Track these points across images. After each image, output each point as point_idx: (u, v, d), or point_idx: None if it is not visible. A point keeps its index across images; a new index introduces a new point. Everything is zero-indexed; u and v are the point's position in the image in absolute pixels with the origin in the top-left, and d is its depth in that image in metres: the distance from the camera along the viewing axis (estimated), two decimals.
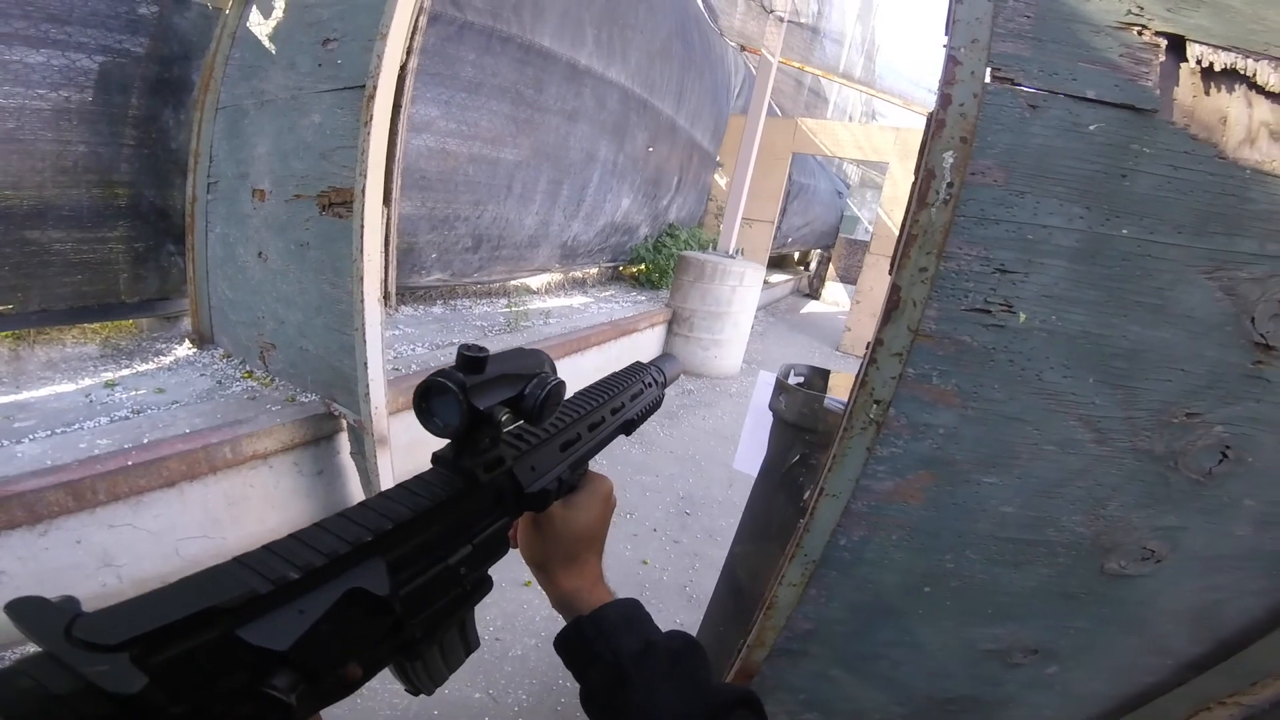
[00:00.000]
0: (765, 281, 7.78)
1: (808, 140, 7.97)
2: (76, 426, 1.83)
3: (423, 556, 0.41)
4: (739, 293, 5.09)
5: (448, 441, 0.46)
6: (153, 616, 0.25)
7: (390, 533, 0.37)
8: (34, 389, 2.06)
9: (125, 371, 2.29)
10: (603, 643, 0.52)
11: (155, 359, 2.43)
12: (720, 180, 8.35)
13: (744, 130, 6.10)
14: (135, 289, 2.43)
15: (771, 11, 5.70)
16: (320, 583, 0.31)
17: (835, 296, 11.44)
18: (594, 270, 5.95)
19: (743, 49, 7.26)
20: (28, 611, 0.23)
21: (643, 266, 6.23)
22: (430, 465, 0.47)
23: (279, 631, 0.28)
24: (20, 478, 1.49)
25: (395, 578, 0.36)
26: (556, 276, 5.36)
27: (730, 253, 5.74)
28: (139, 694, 0.22)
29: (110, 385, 2.14)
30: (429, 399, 0.42)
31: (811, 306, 10.62)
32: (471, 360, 0.41)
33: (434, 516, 0.41)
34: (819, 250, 12.88)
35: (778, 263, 11.54)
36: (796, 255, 13.37)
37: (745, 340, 5.49)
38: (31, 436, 1.74)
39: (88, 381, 2.16)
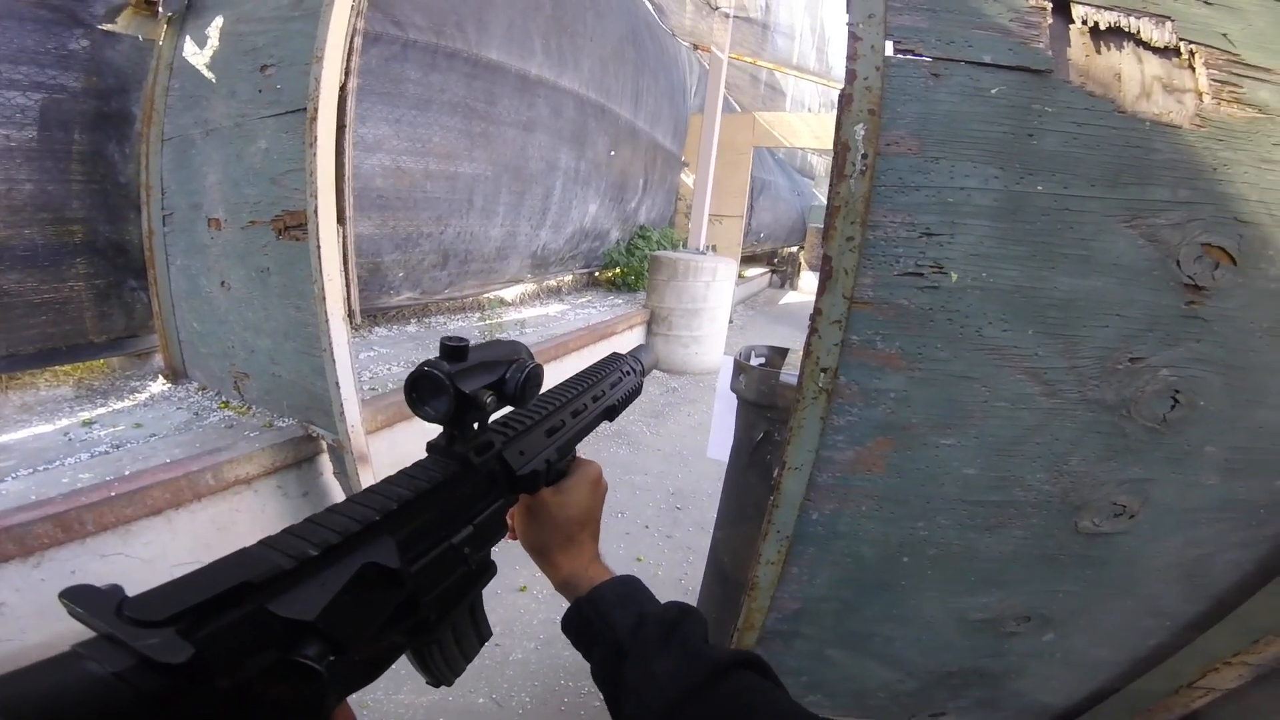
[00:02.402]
0: (740, 275, 7.84)
1: (766, 134, 8.07)
2: (58, 463, 1.84)
3: (427, 535, 0.44)
4: (713, 288, 5.14)
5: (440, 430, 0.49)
6: (193, 594, 0.27)
7: (395, 513, 0.39)
8: (11, 431, 2.06)
9: (101, 410, 2.27)
10: (600, 621, 0.54)
11: (130, 396, 2.42)
12: (688, 179, 8.41)
13: (702, 127, 6.16)
14: (102, 328, 2.40)
15: (716, 8, 5.76)
16: (337, 559, 0.34)
17: (811, 286, 11.55)
18: (568, 278, 5.96)
19: (695, 47, 7.33)
20: (81, 597, 0.25)
21: (617, 270, 6.24)
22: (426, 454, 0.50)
23: (305, 603, 0.30)
24: (7, 512, 1.50)
25: (404, 554, 0.38)
26: (530, 287, 5.36)
27: (701, 249, 5.78)
28: (188, 664, 0.24)
29: (88, 424, 2.13)
30: (419, 388, 0.45)
31: (790, 297, 10.72)
32: (454, 349, 0.45)
33: (433, 497, 0.44)
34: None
35: (753, 260, 11.63)
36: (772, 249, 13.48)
37: (724, 335, 5.53)
38: (14, 475, 1.74)
39: (65, 421, 2.15)
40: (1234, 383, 0.85)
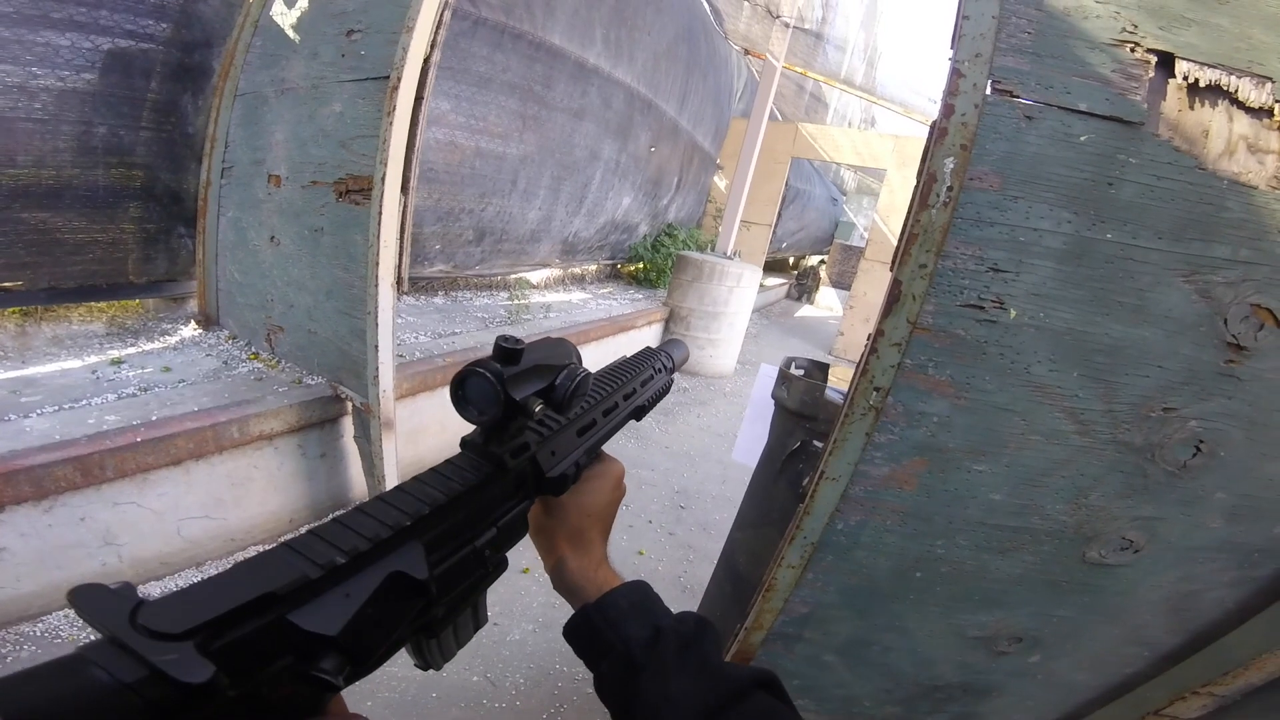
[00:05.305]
0: (760, 284, 7.86)
1: (807, 145, 8.05)
2: (84, 403, 1.82)
3: (453, 539, 0.42)
4: (736, 294, 5.16)
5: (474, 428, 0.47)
6: (213, 604, 0.25)
7: (426, 517, 0.38)
8: (40, 365, 2.05)
9: (131, 350, 2.29)
10: (612, 632, 0.51)
11: (161, 338, 2.45)
12: (719, 182, 8.41)
13: (746, 133, 6.16)
14: (144, 270, 2.46)
15: (777, 17, 5.76)
16: (364, 566, 0.32)
17: (828, 301, 11.54)
18: (593, 267, 6.00)
19: (746, 53, 7.33)
20: (91, 599, 0.24)
21: (641, 265, 6.27)
22: (459, 449, 0.48)
23: (328, 616, 0.29)
24: (29, 452, 1.45)
25: (429, 558, 0.37)
26: (556, 272, 5.40)
27: (728, 254, 5.80)
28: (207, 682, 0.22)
29: (117, 363, 2.15)
30: (466, 387, 0.43)
31: (805, 311, 10.71)
32: (509, 352, 0.42)
33: (464, 500, 0.42)
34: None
35: (771, 267, 11.61)
36: (791, 260, 13.45)
37: (740, 341, 5.55)
38: (39, 411, 1.72)
39: (94, 359, 2.16)
40: (1255, 437, 0.88)
